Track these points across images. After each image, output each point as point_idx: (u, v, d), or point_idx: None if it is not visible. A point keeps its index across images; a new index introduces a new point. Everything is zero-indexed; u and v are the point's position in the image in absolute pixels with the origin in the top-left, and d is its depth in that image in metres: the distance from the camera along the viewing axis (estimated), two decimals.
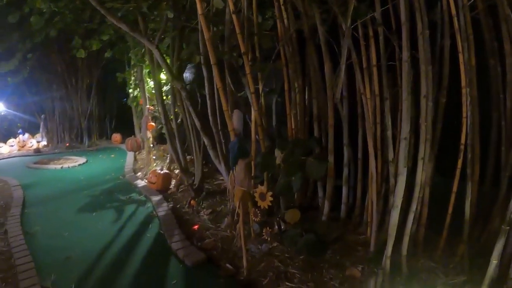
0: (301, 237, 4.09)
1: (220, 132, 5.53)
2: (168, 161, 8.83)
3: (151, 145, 9.34)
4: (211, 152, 5.77)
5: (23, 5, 7.49)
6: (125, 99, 13.39)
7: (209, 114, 5.48)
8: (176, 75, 6.12)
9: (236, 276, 4.11)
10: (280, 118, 5.76)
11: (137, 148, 11.51)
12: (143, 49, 8.42)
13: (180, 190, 7.27)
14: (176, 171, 8.11)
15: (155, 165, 8.97)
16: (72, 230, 5.72)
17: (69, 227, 5.88)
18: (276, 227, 4.71)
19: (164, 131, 9.61)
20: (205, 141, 5.75)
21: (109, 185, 8.43)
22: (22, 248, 5.02)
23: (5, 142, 14.62)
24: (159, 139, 10.19)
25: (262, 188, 4.25)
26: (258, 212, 4.42)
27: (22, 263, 4.57)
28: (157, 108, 9.29)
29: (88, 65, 14.45)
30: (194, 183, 6.80)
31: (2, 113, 14.67)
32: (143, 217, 6.14)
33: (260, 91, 4.74)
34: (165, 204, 6.49)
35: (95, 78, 14.73)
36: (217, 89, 4.68)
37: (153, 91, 9.92)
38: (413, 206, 3.52)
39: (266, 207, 4.25)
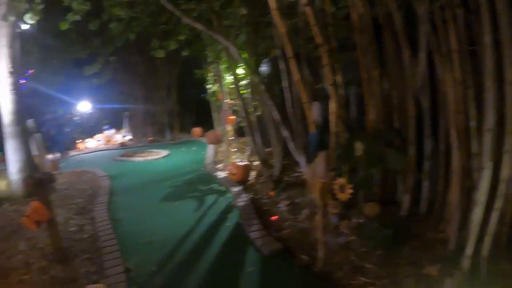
0: (379, 231, 4.04)
1: (299, 125, 5.57)
2: (248, 153, 9.05)
3: (231, 138, 9.60)
4: (290, 145, 5.85)
5: (103, 13, 8.03)
6: (203, 95, 13.99)
7: (288, 106, 5.55)
8: (253, 69, 6.27)
9: (311, 267, 4.15)
10: (358, 109, 5.65)
11: (217, 141, 11.89)
12: (219, 46, 8.68)
13: (259, 181, 7.44)
14: (256, 163, 8.31)
15: (235, 157, 9.25)
16: (155, 218, 6.19)
17: (152, 214, 6.36)
18: (354, 220, 4.67)
19: (243, 124, 9.95)
20: (285, 133, 5.84)
21: (191, 176, 8.88)
22: (108, 233, 5.52)
23: (92, 137, 15.92)
24: (239, 132, 10.45)
25: (341, 181, 4.23)
26: (337, 204, 4.44)
27: (107, 246, 5.04)
28: (236, 102, 9.58)
29: (167, 64, 15.29)
30: (274, 174, 6.92)
31: (90, 112, 15.91)
32: (223, 207, 6.41)
33: (338, 82, 4.70)
34: (244, 194, 6.70)
35: (174, 76, 15.61)
36: (295, 82, 4.71)
37: (231, 86, 10.23)
38: (497, 204, 3.26)
39: (346, 199, 4.23)
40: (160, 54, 10.39)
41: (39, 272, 4.44)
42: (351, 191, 4.16)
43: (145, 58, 14.55)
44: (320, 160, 4.25)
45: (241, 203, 6.27)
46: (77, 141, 15.51)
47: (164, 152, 12.30)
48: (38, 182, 4.68)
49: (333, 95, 4.44)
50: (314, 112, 4.41)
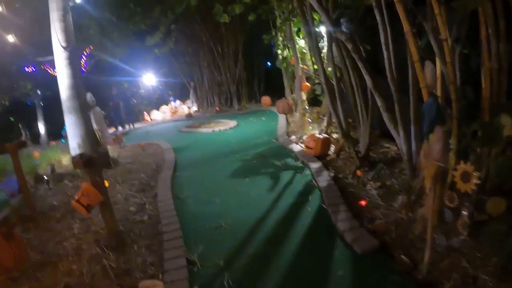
0: (506, 235, 3.01)
1: (398, 91, 4.53)
2: (325, 124, 8.11)
3: (306, 108, 8.69)
4: (385, 115, 4.84)
5: None
6: (269, 63, 13.24)
7: (386, 68, 4.51)
8: (337, 25, 5.25)
9: (413, 272, 3.22)
10: (465, 75, 4.44)
11: (289, 111, 11.07)
12: (291, 4, 7.71)
13: (340, 157, 6.51)
14: (335, 136, 7.37)
15: (311, 129, 8.35)
16: (224, 197, 5.46)
17: (221, 193, 5.64)
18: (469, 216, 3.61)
19: (318, 92, 8.99)
20: (379, 102, 4.84)
21: (262, 149, 8.07)
22: (171, 214, 4.90)
23: (158, 109, 15.71)
24: (313, 101, 9.51)
25: (466, 167, 3.19)
26: (456, 196, 3.42)
27: (169, 231, 4.41)
28: (311, 67, 8.61)
29: (233, 31, 14.44)
30: (359, 150, 5.95)
31: (154, 84, 15.66)
32: (301, 186, 5.53)
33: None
34: (325, 172, 5.80)
35: (240, 43, 14.70)
36: (406, 33, 3.68)
37: (304, 51, 9.26)
38: None
39: (469, 191, 3.19)
40: (225, 19, 9.69)
41: (90, 261, 3.92)
42: (477, 181, 3.10)
43: (208, 25, 13.96)
44: (438, 138, 3.24)
45: (323, 183, 5.37)
46: (143, 114, 15.40)
47: (232, 123, 11.68)
48: (87, 161, 4.10)
49: (447, 54, 3.44)
50: (428, 74, 3.42)
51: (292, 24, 8.82)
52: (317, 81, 9.36)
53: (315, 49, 6.95)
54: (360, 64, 5.00)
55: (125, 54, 13.82)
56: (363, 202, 4.67)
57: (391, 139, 6.60)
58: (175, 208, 5.09)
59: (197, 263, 3.71)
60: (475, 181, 3.10)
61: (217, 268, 3.61)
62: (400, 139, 4.72)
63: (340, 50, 6.04)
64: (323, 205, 4.72)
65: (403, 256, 3.42)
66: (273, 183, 5.76)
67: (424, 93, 3.61)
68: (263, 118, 12.15)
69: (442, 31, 3.44)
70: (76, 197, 3.92)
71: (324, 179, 5.51)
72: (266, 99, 14.34)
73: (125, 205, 5.46)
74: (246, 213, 4.75)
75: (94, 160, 4.13)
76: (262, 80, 15.97)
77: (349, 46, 5.08)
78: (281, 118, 10.96)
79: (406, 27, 3.59)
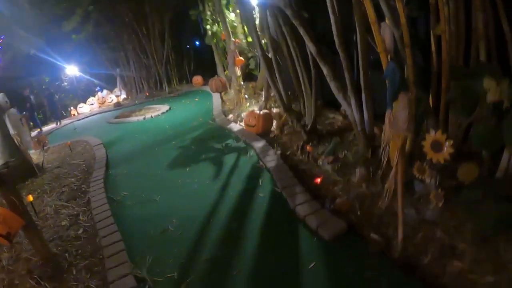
0: (481, 202, 2.75)
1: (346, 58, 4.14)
2: (263, 99, 7.66)
3: (241, 83, 8.16)
4: (333, 84, 4.49)
5: None
6: (197, 42, 12.43)
7: (334, 34, 4.09)
8: None
9: (387, 251, 2.93)
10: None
11: (223, 88, 10.52)
12: None
13: (284, 132, 6.09)
14: (274, 110, 6.94)
15: (248, 105, 7.87)
16: (165, 193, 4.82)
17: (161, 188, 5.00)
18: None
19: (252, 66, 8.50)
20: (325, 70, 4.46)
21: (199, 132, 7.51)
22: (108, 223, 4.24)
23: (85, 102, 14.54)
24: (247, 76, 9.01)
25: (438, 135, 2.86)
26: (426, 167, 3.18)
27: (109, 244, 3.76)
28: (244, 40, 8.08)
29: (158, 10, 13.39)
30: (305, 124, 5.56)
31: (78, 75, 14.47)
32: (248, 169, 5.05)
33: None
34: (271, 151, 5.38)
35: (166, 22, 13.70)
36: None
37: (235, 24, 8.70)
38: None
39: (442, 161, 2.88)
40: None
41: None
42: (451, 150, 2.79)
43: (131, 5, 12.82)
44: (402, 106, 2.91)
45: (271, 163, 4.94)
46: (69, 108, 14.16)
47: (164, 107, 10.95)
48: None
49: (402, 15, 3.15)
50: (387, 37, 3.06)
51: None
52: (250, 55, 8.88)
53: (248, 20, 6.42)
54: (302, 31, 4.57)
55: (43, 44, 12.44)
56: (318, 180, 4.29)
57: (335, 108, 6.34)
58: (112, 214, 4.42)
59: (147, 279, 3.13)
60: (449, 150, 2.77)
61: (171, 282, 3.06)
62: (351, 108, 4.38)
63: (276, 19, 5.58)
64: (276, 188, 4.29)
65: (373, 235, 3.13)
66: (217, 170, 5.22)
67: (383, 57, 3.27)
68: (196, 99, 11.51)
69: None
70: None
71: (271, 159, 5.08)
72: (197, 79, 13.65)
73: (56, 219, 4.71)
74: (192, 209, 4.19)
75: (4, 175, 3.33)
76: (192, 59, 15.14)
77: (289, 13, 4.61)
78: (216, 97, 10.39)
79: None
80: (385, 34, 3.15)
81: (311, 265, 2.93)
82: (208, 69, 13.40)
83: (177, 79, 14.83)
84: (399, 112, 2.93)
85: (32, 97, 12.62)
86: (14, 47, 12.32)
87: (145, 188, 5.12)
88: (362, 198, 3.72)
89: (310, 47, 4.50)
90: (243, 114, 7.61)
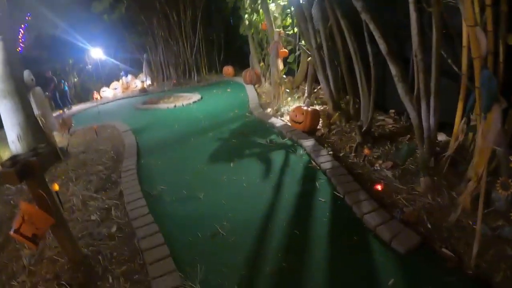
0: None
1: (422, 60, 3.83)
2: (306, 95, 7.36)
3: (283, 77, 7.85)
4: (400, 86, 4.16)
5: None
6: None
7: (413, 33, 3.78)
8: None
9: (461, 267, 2.73)
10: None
11: (257, 81, 10.25)
12: None
13: (333, 132, 5.79)
14: (318, 108, 6.64)
15: (289, 100, 7.58)
16: (209, 190, 4.41)
17: (203, 184, 4.58)
18: None
19: (290, 60, 8.19)
20: (394, 70, 4.13)
21: (238, 125, 7.14)
22: (147, 221, 3.78)
23: (108, 86, 14.29)
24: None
25: None
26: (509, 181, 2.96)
27: (150, 247, 3.32)
28: (290, 31, 7.77)
29: None
30: (360, 124, 5.26)
31: (102, 58, 14.22)
32: (301, 170, 4.71)
33: None
34: (323, 151, 5.05)
35: (199, 8, 13.30)
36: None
37: (276, 15, 8.38)
38: None
39: None
40: None
41: None
42: None
43: None
44: (496, 117, 2.78)
45: (326, 165, 4.63)
46: (92, 92, 13.92)
47: (195, 96, 10.55)
48: (23, 170, 2.69)
49: (489, 22, 2.98)
50: (482, 43, 2.92)
51: None
52: (289, 47, 8.56)
53: (298, 10, 6.10)
54: (372, 26, 4.22)
55: (70, 24, 12.18)
56: (379, 187, 3.99)
57: (383, 111, 6.03)
58: (150, 211, 4.01)
59: None
60: None
61: None
62: (416, 113, 4.09)
63: (332, 11, 5.27)
64: (337, 193, 3.98)
65: (445, 250, 2.94)
66: (266, 168, 4.87)
67: (477, 64, 2.96)
68: (228, 90, 11.11)
69: None
70: (15, 226, 2.77)
71: (325, 160, 4.77)
72: (228, 69, 13.32)
73: (85, 212, 4.31)
74: (244, 211, 3.84)
75: (33, 166, 2.77)
76: (223, 48, 14.82)
77: (359, 5, 4.27)
78: (249, 89, 10.07)
79: None
80: (481, 40, 2.91)
81: (390, 281, 2.66)
82: (239, 59, 13.09)
83: (206, 68, 14.50)
84: (492, 124, 2.74)
85: (55, 78, 12.43)
86: (38, 26, 12.07)
87: (184, 182, 4.75)
88: (429, 209, 3.50)
89: (381, 44, 4.16)
90: (283, 109, 7.33)
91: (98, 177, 5.34)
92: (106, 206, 4.39)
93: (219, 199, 4.17)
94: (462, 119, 3.87)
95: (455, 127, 4.01)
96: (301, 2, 6.06)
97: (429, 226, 3.26)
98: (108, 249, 3.49)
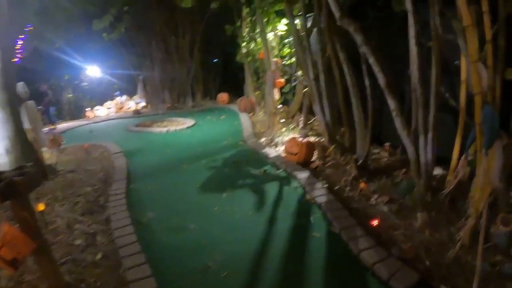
0: None
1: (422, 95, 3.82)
2: (301, 125, 7.32)
3: (279, 107, 7.82)
4: (398, 120, 4.14)
5: None
6: (216, 60, 12.11)
7: (413, 68, 3.79)
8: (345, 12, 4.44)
9: None
10: None
11: (252, 109, 10.23)
12: None
13: (327, 164, 5.71)
14: (311, 139, 6.58)
15: (284, 130, 7.53)
16: (200, 220, 4.25)
17: (195, 214, 4.43)
18: None
19: (285, 90, 8.21)
20: (392, 104, 4.11)
21: (231, 153, 7.04)
22: (134, 250, 3.58)
23: (102, 105, 14.20)
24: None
25: None
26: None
27: (137, 279, 3.12)
28: (287, 61, 7.81)
29: (190, 20, 13.13)
30: (357, 158, 5.20)
31: (99, 76, 14.15)
32: (295, 203, 4.61)
33: None
34: (318, 184, 4.96)
35: (198, 34, 13.43)
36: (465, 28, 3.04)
37: (273, 44, 8.44)
38: None
39: None
40: (187, 3, 8.61)
41: None
42: None
43: (164, 11, 12.62)
44: (497, 154, 2.66)
45: (321, 198, 4.53)
46: (86, 109, 13.80)
47: (189, 122, 10.46)
48: (7, 189, 2.54)
49: (489, 57, 3.03)
50: (483, 78, 2.97)
51: (262, 13, 7.90)
52: (285, 77, 8.59)
53: (297, 40, 6.12)
54: (371, 60, 4.22)
55: (68, 40, 12.16)
56: (375, 222, 3.89)
57: (378, 144, 6.00)
58: (138, 239, 3.82)
59: None
60: None
61: None
62: (413, 147, 4.09)
63: (332, 42, 5.29)
64: (333, 229, 3.86)
65: (444, 287, 2.87)
66: (259, 200, 4.75)
67: (478, 100, 2.93)
68: (222, 117, 11.09)
69: (487, 31, 2.98)
70: None
71: (320, 193, 4.67)
72: (223, 96, 13.33)
73: (69, 235, 4.08)
74: (236, 244, 3.69)
75: (18, 186, 2.59)
76: (219, 75, 14.86)
77: (359, 38, 4.27)
78: (244, 117, 10.03)
79: (467, 20, 2.94)
80: (482, 76, 2.90)
81: None
82: (235, 87, 13.14)
83: (201, 93, 14.51)
84: (495, 161, 2.78)
85: (50, 92, 12.28)
86: (38, 38, 12.01)
87: (175, 211, 4.59)
88: (427, 245, 3.41)
89: (380, 77, 4.15)
90: (278, 139, 7.27)
91: (85, 199, 5.13)
92: (92, 230, 4.18)
93: (211, 230, 4.02)
94: (460, 154, 3.86)
95: (453, 162, 4.01)
96: (301, 33, 6.09)
97: (428, 263, 3.18)
98: (92, 278, 3.29)
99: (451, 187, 3.73)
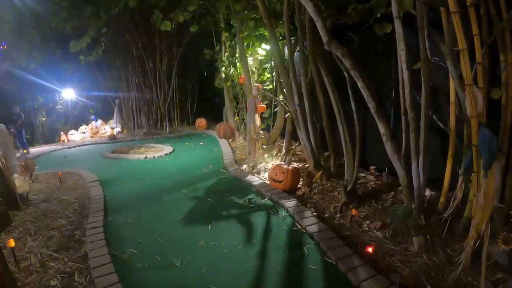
0: None
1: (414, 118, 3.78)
2: (283, 151, 7.19)
3: (260, 132, 7.69)
4: (388, 145, 4.07)
5: None
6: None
7: (405, 92, 3.76)
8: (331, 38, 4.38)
9: None
10: None
11: (231, 135, 10.08)
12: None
13: (314, 191, 5.57)
14: (295, 165, 6.44)
15: (266, 157, 7.39)
16: (187, 256, 3.96)
17: (180, 249, 4.13)
18: None
19: (265, 115, 8.13)
20: (382, 129, 4.05)
21: (213, 182, 6.79)
22: None
23: (76, 129, 13.80)
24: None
25: None
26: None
27: None
28: (269, 86, 7.73)
29: (169, 44, 12.98)
30: (346, 184, 5.08)
31: (74, 99, 13.76)
32: (285, 234, 4.39)
33: None
34: (307, 212, 4.80)
35: (176, 58, 13.27)
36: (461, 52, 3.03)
37: (253, 69, 8.38)
38: None
39: None
40: (167, 26, 8.54)
41: None
42: None
43: (142, 35, 12.46)
44: (496, 175, 2.85)
45: (312, 228, 4.35)
46: (60, 133, 13.33)
47: (167, 148, 10.18)
48: None
49: (481, 79, 3.12)
50: (479, 101, 2.96)
51: (243, 37, 7.85)
52: (265, 102, 8.51)
53: (279, 64, 6.05)
54: (360, 84, 4.15)
55: (43, 61, 11.80)
56: (370, 249, 3.76)
57: (365, 168, 5.94)
58: (119, 279, 3.49)
59: None
60: None
61: None
62: (404, 171, 4.11)
63: (316, 67, 5.24)
64: (328, 259, 3.69)
65: None
66: (248, 232, 4.52)
67: (474, 123, 2.88)
68: (201, 143, 10.85)
69: (478, 53, 3.01)
70: None
71: (311, 222, 4.50)
72: (201, 122, 13.13)
73: (43, 275, 3.73)
74: (227, 282, 3.43)
75: None
76: (196, 100, 14.70)
77: (348, 63, 4.20)
78: (223, 144, 9.85)
79: (462, 43, 2.94)
80: (478, 98, 2.87)
81: None
82: (212, 112, 13.00)
83: (178, 119, 14.28)
84: (492, 181, 2.81)
85: (22, 114, 11.81)
86: (12, 58, 11.61)
87: (158, 246, 4.29)
88: (426, 269, 3.39)
89: (369, 102, 4.08)
90: (260, 166, 7.11)
91: (60, 233, 4.79)
92: (69, 269, 3.85)
93: (198, 267, 3.74)
94: (451, 175, 3.87)
95: (445, 183, 3.95)
96: (285, 57, 6.04)
97: (429, 287, 3.12)
98: None
99: (451, 210, 3.64)
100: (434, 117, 4.17)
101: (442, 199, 4.03)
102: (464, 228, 3.57)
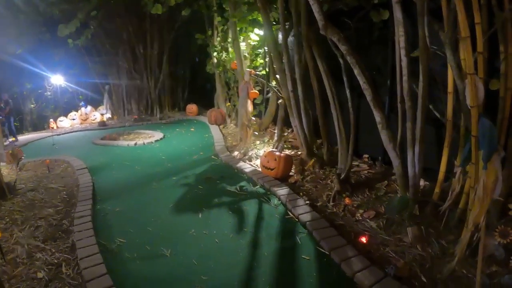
0: None
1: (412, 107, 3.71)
2: (275, 138, 7.10)
3: (252, 118, 7.57)
4: (384, 133, 3.99)
5: None
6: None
7: (403, 79, 3.66)
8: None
9: None
10: None
11: (222, 121, 9.96)
12: None
13: (306, 179, 5.50)
14: (287, 152, 6.35)
15: (258, 143, 7.29)
16: (177, 245, 3.87)
17: (170, 239, 4.04)
18: None
19: (257, 101, 8.02)
20: (378, 117, 3.96)
21: (204, 169, 6.68)
22: (105, 284, 3.18)
23: (66, 115, 13.56)
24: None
25: None
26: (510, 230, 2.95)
27: None
28: (261, 71, 7.60)
29: (159, 29, 12.68)
30: (339, 172, 5.01)
31: (62, 86, 13.46)
32: (277, 222, 4.32)
33: None
34: (300, 201, 4.72)
35: (167, 43, 13.01)
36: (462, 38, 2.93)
37: (246, 54, 8.23)
38: None
39: None
40: (158, 10, 8.31)
41: None
42: None
43: (132, 20, 12.17)
44: (494, 168, 2.74)
45: (306, 216, 4.28)
46: (49, 120, 13.07)
47: (157, 134, 10.02)
48: None
49: (481, 69, 3.04)
50: (480, 91, 2.87)
51: (237, 22, 7.67)
52: (258, 88, 8.38)
53: (273, 50, 5.92)
54: (356, 71, 4.04)
55: (31, 47, 11.49)
56: (364, 239, 3.71)
57: (358, 156, 5.87)
58: (107, 271, 3.39)
59: None
60: None
61: None
62: (399, 160, 4.06)
63: (310, 52, 5.13)
64: (322, 249, 3.63)
65: None
66: (239, 220, 4.43)
67: (474, 113, 2.82)
68: (192, 129, 10.70)
69: (479, 42, 2.94)
70: None
71: (303, 211, 4.43)
72: (192, 107, 12.94)
73: (30, 267, 3.63)
74: (219, 272, 3.36)
75: None
76: (187, 86, 14.48)
77: (344, 48, 4.09)
78: (214, 130, 9.72)
79: (465, 31, 2.84)
80: (478, 88, 2.79)
81: None
82: (204, 98, 12.83)
83: (169, 105, 14.07)
84: (495, 174, 2.75)
85: (11, 101, 11.55)
86: None
87: (148, 235, 4.18)
88: (420, 261, 3.35)
89: (365, 89, 3.98)
90: (251, 152, 7.02)
91: (47, 222, 4.67)
92: (56, 261, 3.74)
93: (189, 257, 3.66)
94: (447, 166, 3.82)
95: (440, 174, 3.91)
96: (278, 42, 5.90)
97: (424, 279, 3.08)
98: None
99: (450, 201, 3.59)
100: (431, 106, 4.09)
101: (437, 190, 3.97)
102: (459, 219, 3.51)
